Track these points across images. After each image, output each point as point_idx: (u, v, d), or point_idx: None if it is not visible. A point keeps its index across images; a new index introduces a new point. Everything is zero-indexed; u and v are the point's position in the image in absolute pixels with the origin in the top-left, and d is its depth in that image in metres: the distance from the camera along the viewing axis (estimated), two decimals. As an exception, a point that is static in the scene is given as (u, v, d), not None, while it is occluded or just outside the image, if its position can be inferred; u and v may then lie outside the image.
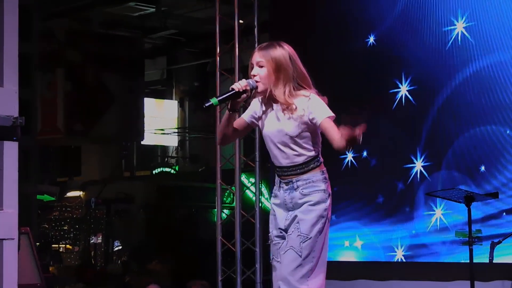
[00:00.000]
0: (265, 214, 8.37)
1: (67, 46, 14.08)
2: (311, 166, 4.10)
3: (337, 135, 3.94)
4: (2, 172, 4.03)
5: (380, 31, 7.94)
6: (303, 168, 4.09)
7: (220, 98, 4.04)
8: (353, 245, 8.05)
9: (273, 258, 4.21)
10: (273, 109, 4.14)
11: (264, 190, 12.39)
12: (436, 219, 7.39)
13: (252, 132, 7.76)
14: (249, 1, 8.48)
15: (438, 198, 7.22)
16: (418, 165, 7.55)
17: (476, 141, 7.17)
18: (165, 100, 17.99)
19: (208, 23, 11.50)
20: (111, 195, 15.71)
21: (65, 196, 16.89)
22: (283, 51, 4.10)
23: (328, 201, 4.10)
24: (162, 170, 17.79)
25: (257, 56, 4.11)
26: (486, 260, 5.88)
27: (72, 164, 16.89)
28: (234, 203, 8.76)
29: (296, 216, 4.08)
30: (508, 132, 6.96)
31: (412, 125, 7.65)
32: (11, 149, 4.06)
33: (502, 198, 6.86)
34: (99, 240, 16.62)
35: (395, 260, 7.72)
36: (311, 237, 4.03)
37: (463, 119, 7.28)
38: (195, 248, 13.22)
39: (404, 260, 7.66)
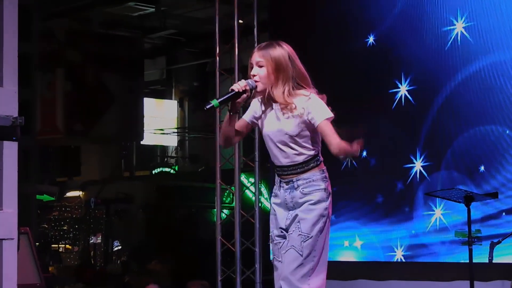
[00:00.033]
0: (265, 214, 8.37)
1: (67, 46, 14.08)
2: (311, 165, 4.11)
3: (334, 140, 3.96)
4: (2, 172, 4.03)
5: (380, 31, 7.94)
6: (303, 167, 4.10)
7: (221, 99, 4.05)
8: (352, 245, 8.05)
9: (274, 257, 4.21)
10: (272, 108, 4.15)
11: (263, 190, 12.40)
12: (436, 219, 7.39)
13: (251, 132, 7.75)
14: (248, 1, 8.48)
15: (437, 198, 7.22)
16: (418, 165, 7.55)
17: (475, 141, 7.17)
18: (165, 100, 18.00)
19: (207, 23, 11.50)
20: (110, 195, 15.72)
21: (65, 196, 16.89)
22: (282, 51, 4.11)
23: (329, 200, 4.11)
24: (162, 170, 17.79)
25: (257, 56, 4.12)
26: (485, 260, 5.88)
27: (72, 164, 16.89)
28: (234, 203, 8.76)
29: (296, 215, 4.09)
30: (507, 132, 6.96)
31: (412, 125, 7.66)
32: (11, 149, 4.06)
33: (502, 198, 6.86)
34: (99, 240, 16.62)
35: (395, 260, 7.72)
36: (312, 236, 4.04)
37: (463, 119, 7.28)
38: (194, 248, 13.22)
39: (403, 260, 7.66)
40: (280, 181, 4.18)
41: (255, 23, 8.41)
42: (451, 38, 7.37)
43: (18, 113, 4.08)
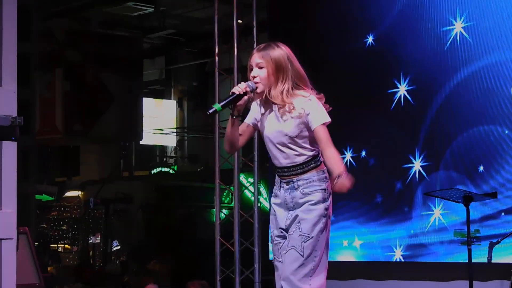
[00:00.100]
0: (264, 214, 8.38)
1: (66, 46, 14.07)
2: (311, 165, 4.13)
3: (327, 149, 4.02)
4: (1, 172, 4.04)
5: (379, 31, 7.94)
6: (304, 168, 4.12)
7: (223, 103, 4.08)
8: (351, 245, 8.06)
9: (274, 258, 4.22)
10: (272, 110, 4.17)
11: (262, 190, 12.39)
12: (435, 219, 7.40)
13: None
14: (247, 1, 8.48)
15: (436, 198, 7.23)
16: (417, 165, 7.56)
17: (474, 141, 7.17)
18: (164, 100, 17.98)
19: (207, 23, 11.50)
20: (109, 195, 15.69)
21: (64, 196, 16.87)
22: (281, 52, 4.13)
23: (329, 200, 4.14)
24: (161, 170, 17.79)
25: (256, 57, 4.14)
26: (484, 260, 5.89)
27: (71, 164, 16.89)
28: (233, 203, 8.76)
29: (297, 215, 4.11)
30: (506, 132, 6.97)
31: (411, 125, 7.66)
32: (10, 149, 4.06)
33: (501, 198, 6.86)
34: (98, 240, 16.60)
35: (394, 260, 7.73)
36: (312, 237, 4.06)
37: (462, 119, 7.28)
38: (194, 248, 13.21)
39: (402, 260, 7.66)
40: (281, 182, 4.19)
41: (254, 23, 8.41)
42: (450, 38, 7.37)
43: (17, 113, 4.08)
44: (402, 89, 7.70)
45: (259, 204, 8.48)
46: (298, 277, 4.05)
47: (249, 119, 4.28)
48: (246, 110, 4.23)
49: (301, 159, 4.12)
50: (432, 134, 7.49)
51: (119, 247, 16.38)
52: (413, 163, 7.58)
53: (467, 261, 6.19)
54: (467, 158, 7.23)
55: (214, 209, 8.70)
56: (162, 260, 12.82)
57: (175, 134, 18.09)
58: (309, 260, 4.06)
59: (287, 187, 4.15)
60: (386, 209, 7.80)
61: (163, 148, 18.64)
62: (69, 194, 16.96)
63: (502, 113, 6.99)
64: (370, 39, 7.99)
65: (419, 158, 7.55)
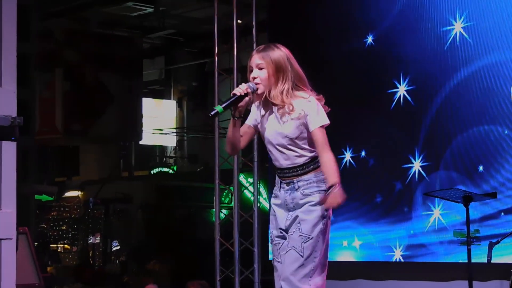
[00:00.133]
0: (264, 214, 8.38)
1: (65, 46, 14.08)
2: (312, 166, 4.14)
3: (323, 153, 4.04)
4: (1, 172, 4.03)
5: (379, 31, 7.94)
6: (304, 169, 4.13)
7: (224, 105, 4.08)
8: (351, 245, 8.06)
9: (274, 258, 4.23)
10: (272, 112, 4.18)
11: (262, 190, 12.39)
12: (434, 219, 7.39)
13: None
14: (247, 1, 8.49)
15: (436, 198, 7.22)
16: (417, 165, 7.56)
17: (474, 141, 7.17)
18: (164, 100, 17.98)
19: (206, 23, 11.49)
20: (109, 195, 15.70)
21: (64, 196, 16.88)
22: (281, 53, 4.15)
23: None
24: (161, 170, 17.79)
25: (256, 58, 4.15)
26: (484, 260, 5.88)
27: (71, 164, 16.89)
28: (233, 203, 8.76)
29: (297, 216, 4.12)
30: (506, 132, 6.96)
31: (411, 125, 7.66)
32: (10, 149, 4.06)
33: (500, 198, 6.86)
34: (97, 240, 16.61)
35: (393, 260, 7.73)
36: (312, 237, 4.07)
37: (462, 119, 7.28)
38: (193, 248, 13.22)
39: (402, 260, 7.66)
40: (281, 182, 4.20)
41: (254, 23, 8.41)
42: (450, 38, 7.37)
43: (17, 113, 4.07)
44: (401, 89, 7.70)
45: (258, 204, 8.48)
46: (298, 278, 4.06)
47: (249, 121, 4.28)
48: (246, 111, 4.24)
49: (301, 160, 4.13)
50: (431, 134, 7.49)
51: (118, 247, 16.39)
52: (412, 163, 7.58)
53: (466, 261, 6.19)
54: (466, 158, 7.22)
55: (214, 209, 8.71)
56: (162, 260, 12.83)
57: (175, 134, 18.09)
58: (309, 261, 4.07)
59: (288, 188, 4.16)
60: (386, 209, 7.79)
61: (162, 148, 18.64)
62: (68, 194, 16.97)
63: (502, 113, 6.98)
64: (370, 39, 7.99)
65: (419, 158, 7.54)
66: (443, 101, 7.41)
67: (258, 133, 4.34)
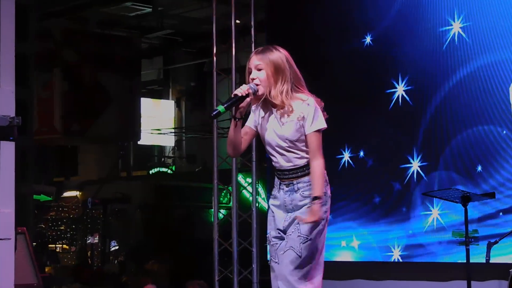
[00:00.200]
0: (262, 214, 8.36)
1: (64, 46, 14.07)
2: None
3: (315, 159, 4.06)
4: (-1, 172, 4.04)
5: (377, 31, 7.94)
6: (304, 170, 4.14)
7: (226, 105, 4.08)
8: (350, 245, 8.05)
9: (271, 258, 4.24)
10: (272, 113, 4.19)
11: (261, 190, 12.38)
12: (433, 219, 7.39)
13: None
14: (245, 1, 8.48)
15: (434, 198, 7.22)
16: (415, 165, 7.55)
17: (473, 141, 7.17)
18: (162, 100, 17.98)
19: (204, 23, 11.51)
20: (108, 195, 15.69)
21: (62, 196, 16.86)
22: (280, 54, 4.16)
23: (328, 203, 4.16)
24: (159, 170, 17.78)
25: (255, 60, 4.16)
26: (482, 260, 5.88)
27: (69, 164, 16.87)
28: (231, 203, 8.76)
29: (296, 217, 4.12)
30: (505, 132, 6.97)
31: (409, 125, 7.65)
32: (8, 149, 4.06)
33: (499, 198, 6.86)
34: (96, 240, 16.59)
35: (392, 260, 7.72)
36: (311, 239, 4.09)
37: (460, 119, 7.28)
38: (192, 248, 13.22)
39: (400, 260, 7.66)
40: (280, 184, 4.21)
41: (252, 23, 8.41)
42: (448, 38, 7.37)
43: (15, 113, 4.08)
44: (400, 89, 7.70)
45: (257, 204, 8.48)
46: (295, 278, 4.07)
47: (250, 122, 4.29)
48: (246, 113, 4.24)
49: (301, 162, 4.14)
50: (430, 134, 7.49)
51: (117, 247, 16.37)
52: (411, 163, 7.58)
53: (465, 261, 6.18)
54: (465, 158, 7.22)
55: (212, 209, 8.71)
56: (160, 260, 12.83)
57: (173, 134, 18.08)
58: (307, 261, 4.09)
59: (287, 189, 4.17)
60: (384, 209, 7.79)
61: (161, 148, 18.63)
62: (67, 194, 16.96)
63: (502, 113, 6.98)
64: (368, 39, 7.99)
65: (417, 158, 7.54)
66: (441, 101, 7.41)
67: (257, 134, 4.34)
